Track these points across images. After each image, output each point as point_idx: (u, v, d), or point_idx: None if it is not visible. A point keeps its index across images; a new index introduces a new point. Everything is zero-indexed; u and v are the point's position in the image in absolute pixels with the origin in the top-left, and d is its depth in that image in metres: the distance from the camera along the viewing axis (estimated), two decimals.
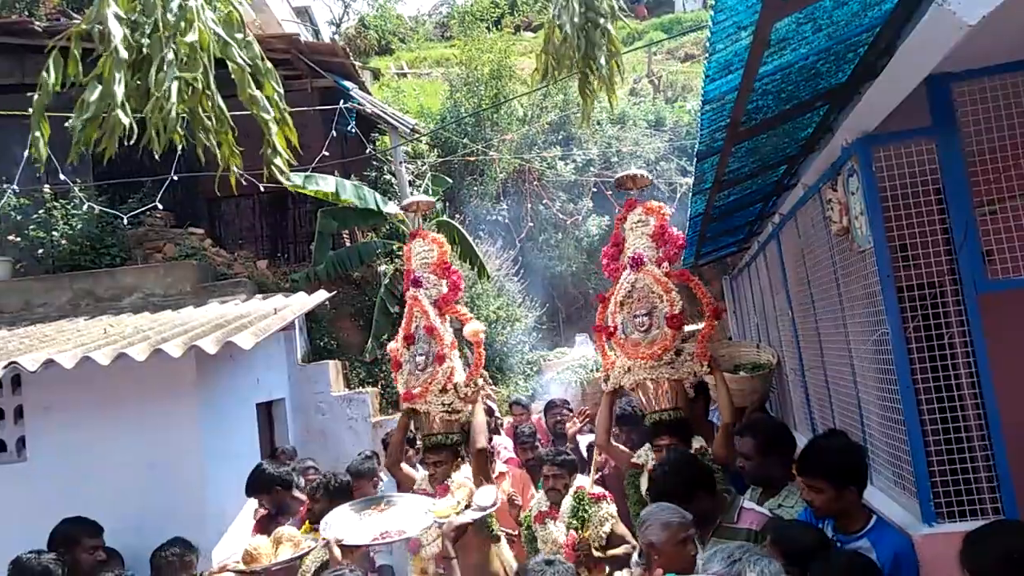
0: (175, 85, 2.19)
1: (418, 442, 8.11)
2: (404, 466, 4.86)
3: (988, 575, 2.31)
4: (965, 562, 2.36)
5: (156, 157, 2.54)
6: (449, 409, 4.47)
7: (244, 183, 3.17)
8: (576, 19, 2.49)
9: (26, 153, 7.01)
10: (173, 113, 2.17)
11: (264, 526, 4.87)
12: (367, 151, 11.27)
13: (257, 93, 2.44)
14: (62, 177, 6.70)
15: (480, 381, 4.65)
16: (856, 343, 3.83)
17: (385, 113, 10.68)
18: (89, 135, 2.25)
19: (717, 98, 2.92)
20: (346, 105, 9.94)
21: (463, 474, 4.45)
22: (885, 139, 3.09)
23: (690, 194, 6.35)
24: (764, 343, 6.85)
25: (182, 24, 2.21)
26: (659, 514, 3.09)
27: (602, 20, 2.55)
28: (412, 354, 4.61)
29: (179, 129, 2.26)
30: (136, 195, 9.36)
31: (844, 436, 3.35)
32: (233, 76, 2.44)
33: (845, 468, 3.08)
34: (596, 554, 4.24)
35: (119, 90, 2.18)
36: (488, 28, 15.60)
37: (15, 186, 7.43)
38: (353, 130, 10.07)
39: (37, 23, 9.80)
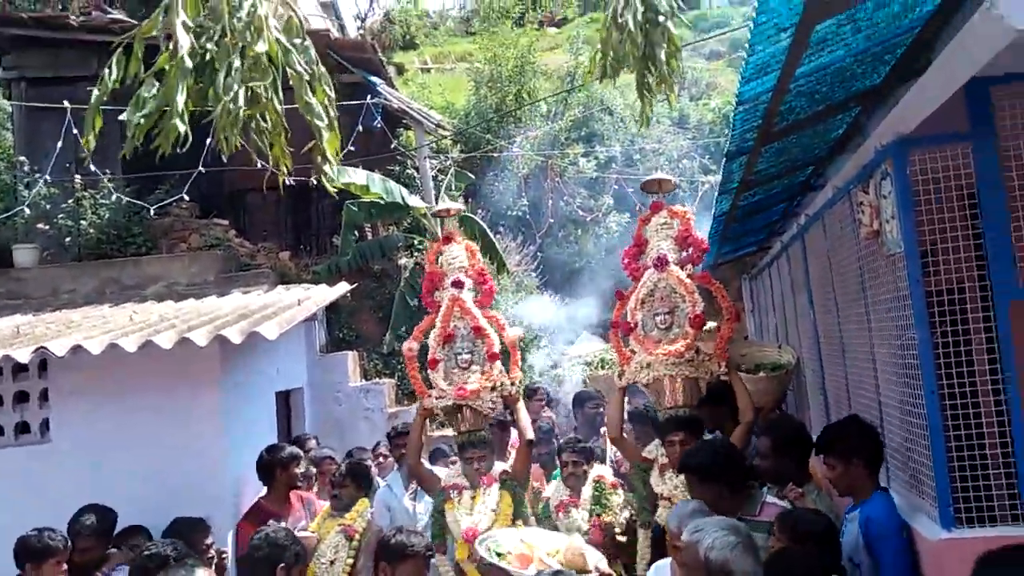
0: (242, 92, 2.23)
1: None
2: (425, 463, 4.94)
3: None
4: None
5: (174, 152, 2.54)
6: (491, 406, 4.69)
7: (266, 186, 3.24)
8: (639, 17, 2.49)
9: (59, 144, 7.15)
10: (241, 118, 2.21)
11: (254, 519, 4.82)
12: (392, 146, 11.32)
13: (312, 100, 2.48)
14: (91, 168, 6.79)
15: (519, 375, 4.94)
16: (880, 346, 3.81)
17: (411, 109, 10.72)
18: (143, 131, 2.28)
19: (751, 99, 2.92)
20: (373, 101, 9.99)
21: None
22: (921, 142, 3.05)
23: (715, 193, 6.34)
24: (784, 343, 6.82)
25: (249, 34, 2.24)
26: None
27: (662, 19, 2.55)
28: (452, 352, 4.77)
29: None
30: (163, 186, 9.45)
31: (856, 417, 3.57)
32: (292, 83, 2.48)
33: (849, 443, 3.32)
34: (619, 539, 4.35)
35: (180, 99, 2.22)
36: (512, 25, 15.53)
37: (47, 176, 7.53)
38: (379, 125, 10.12)
39: (72, 17, 9.90)
